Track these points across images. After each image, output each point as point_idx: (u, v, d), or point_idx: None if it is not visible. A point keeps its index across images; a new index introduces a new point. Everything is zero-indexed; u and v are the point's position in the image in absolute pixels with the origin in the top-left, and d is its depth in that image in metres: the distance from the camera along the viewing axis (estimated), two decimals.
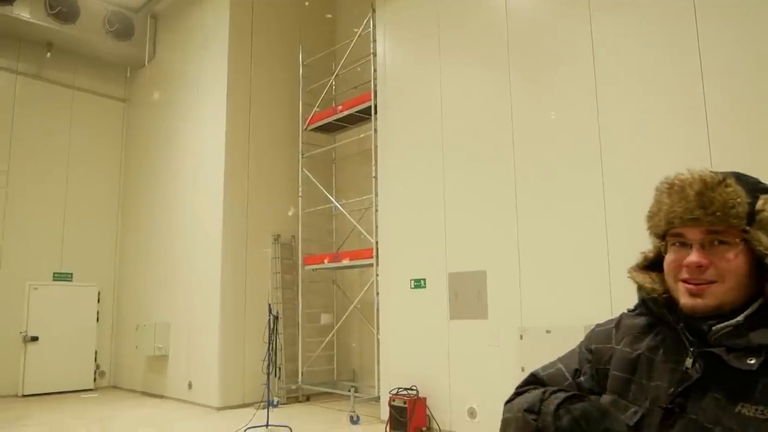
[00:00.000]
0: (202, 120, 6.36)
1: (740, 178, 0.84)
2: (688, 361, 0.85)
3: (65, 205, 7.20)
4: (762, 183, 0.85)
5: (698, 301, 0.84)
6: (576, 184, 3.81)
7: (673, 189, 0.86)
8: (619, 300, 3.40)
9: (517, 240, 4.09)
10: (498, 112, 4.28)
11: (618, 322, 0.97)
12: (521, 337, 3.97)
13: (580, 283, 3.71)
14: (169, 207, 6.71)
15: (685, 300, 0.86)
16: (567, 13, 3.96)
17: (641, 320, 0.94)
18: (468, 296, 4.42)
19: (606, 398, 0.91)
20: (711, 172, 0.84)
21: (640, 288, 0.93)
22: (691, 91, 3.33)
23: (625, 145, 3.61)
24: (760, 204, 0.82)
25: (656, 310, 0.90)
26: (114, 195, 7.66)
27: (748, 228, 0.81)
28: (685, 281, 0.86)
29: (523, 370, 3.89)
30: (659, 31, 3.51)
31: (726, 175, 0.84)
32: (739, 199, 0.81)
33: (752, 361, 0.79)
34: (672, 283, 0.88)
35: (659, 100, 3.48)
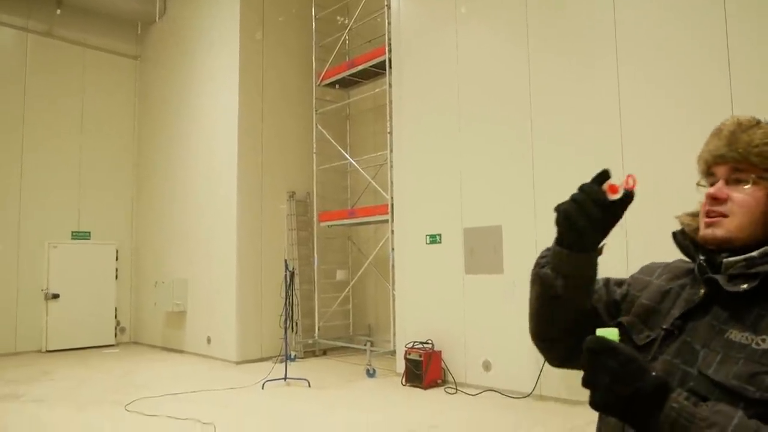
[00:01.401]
0: (215, 76, 6.31)
1: None
2: (699, 290, 0.88)
3: (80, 163, 7.23)
4: None
5: (708, 232, 0.87)
6: (593, 139, 3.75)
7: (714, 132, 0.89)
8: (636, 251, 3.37)
9: (534, 195, 4.06)
10: (515, 68, 4.20)
11: (670, 263, 1.00)
12: None
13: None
14: (184, 164, 6.72)
15: (701, 231, 0.89)
16: None
17: (689, 264, 0.95)
18: (484, 251, 4.42)
19: (625, 319, 0.95)
20: (753, 117, 0.87)
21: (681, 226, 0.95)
22: (714, 58, 3.24)
23: (643, 101, 3.53)
24: None
25: (682, 242, 0.93)
26: (129, 153, 7.68)
27: None
28: (705, 214, 0.89)
29: None
30: (686, 15, 3.40)
31: (763, 120, 0.86)
32: (765, 139, 0.83)
33: (744, 286, 0.82)
34: (701, 220, 0.90)
35: (679, 63, 3.39)
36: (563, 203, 0.87)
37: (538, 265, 0.96)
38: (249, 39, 6.00)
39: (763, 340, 0.78)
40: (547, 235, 3.34)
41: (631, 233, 3.44)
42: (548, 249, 0.94)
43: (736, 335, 0.81)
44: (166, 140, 7.09)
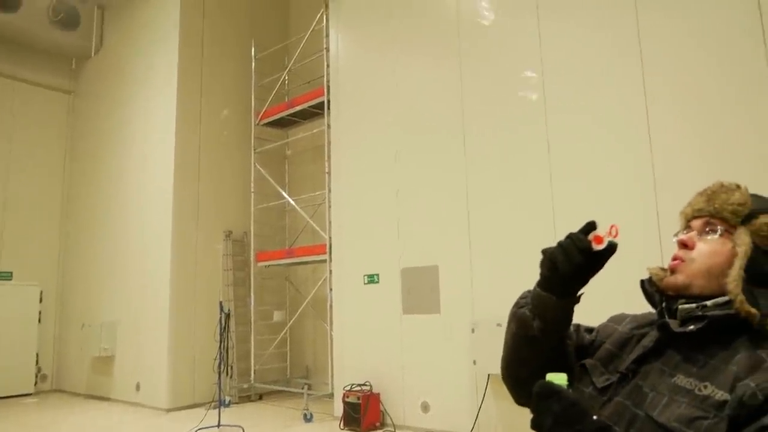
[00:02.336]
0: (151, 113, 6.20)
1: (758, 195, 0.94)
2: (654, 335, 0.93)
3: (5, 200, 6.90)
4: None
5: (671, 278, 0.93)
6: (524, 178, 3.86)
7: (699, 192, 0.98)
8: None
9: (469, 234, 4.12)
10: (449, 105, 4.31)
11: (638, 315, 1.05)
12: (473, 330, 4.00)
13: (529, 276, 3.74)
14: (116, 203, 6.51)
15: (666, 278, 0.95)
16: (515, 6, 4.01)
17: (654, 315, 0.99)
18: (421, 291, 4.43)
19: (588, 362, 1.00)
20: (736, 183, 0.96)
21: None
22: (632, 83, 3.42)
23: (571, 134, 3.68)
24: (761, 214, 0.90)
25: (648, 290, 0.98)
26: (57, 190, 7.38)
27: (739, 226, 0.89)
28: (672, 259, 0.94)
29: (474, 363, 3.93)
30: (602, 34, 3.59)
31: (744, 186, 0.95)
32: (741, 201, 0.91)
33: (691, 327, 0.87)
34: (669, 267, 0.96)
35: (602, 92, 3.56)
36: (550, 248, 0.94)
37: (518, 305, 1.02)
38: (187, 76, 5.95)
39: (705, 387, 0.82)
40: (482, 275, 3.39)
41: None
42: (529, 291, 1.01)
43: (682, 380, 0.85)
44: (98, 177, 6.87)
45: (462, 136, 4.21)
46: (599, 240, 0.90)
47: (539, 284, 0.97)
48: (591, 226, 0.90)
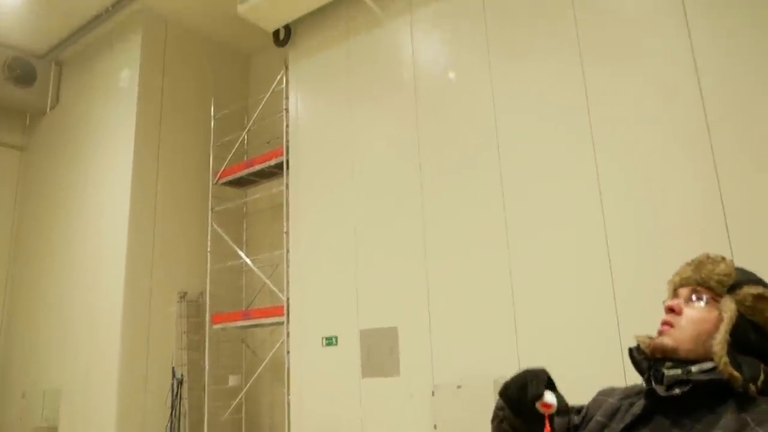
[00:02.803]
0: (106, 170, 6.09)
1: (742, 268, 1.00)
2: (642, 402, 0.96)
3: None
4: (761, 279, 1.00)
5: (658, 341, 0.97)
6: (482, 240, 3.90)
7: (686, 263, 1.03)
8: (526, 351, 3.45)
9: (428, 295, 4.11)
10: (407, 164, 4.36)
11: (629, 386, 1.09)
12: (433, 393, 3.94)
13: (487, 337, 3.75)
14: (65, 263, 6.29)
15: (653, 342, 0.98)
16: (470, 75, 4.14)
17: (643, 385, 1.02)
18: (380, 353, 4.37)
19: None
20: (721, 255, 1.02)
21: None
22: (582, 153, 3.53)
23: (526, 195, 3.75)
24: (745, 285, 0.96)
25: (636, 357, 1.01)
26: (3, 250, 7.12)
27: (725, 295, 0.95)
28: (660, 324, 0.99)
29: (435, 427, 3.85)
30: (554, 93, 3.72)
31: (729, 258, 1.01)
32: (726, 271, 0.97)
33: (677, 391, 0.90)
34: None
35: (554, 152, 3.66)
36: (510, 380, 1.00)
37: (497, 417, 1.05)
38: (145, 134, 5.90)
39: None
40: (442, 337, 3.36)
41: (519, 321, 3.53)
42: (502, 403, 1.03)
43: None
44: (47, 237, 6.66)
45: (420, 196, 4.25)
46: (547, 407, 0.95)
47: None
48: (550, 385, 0.97)
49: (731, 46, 3.11)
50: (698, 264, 0.99)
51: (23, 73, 6.81)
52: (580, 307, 3.37)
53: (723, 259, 0.99)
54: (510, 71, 3.97)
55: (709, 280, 0.96)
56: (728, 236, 2.93)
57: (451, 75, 4.28)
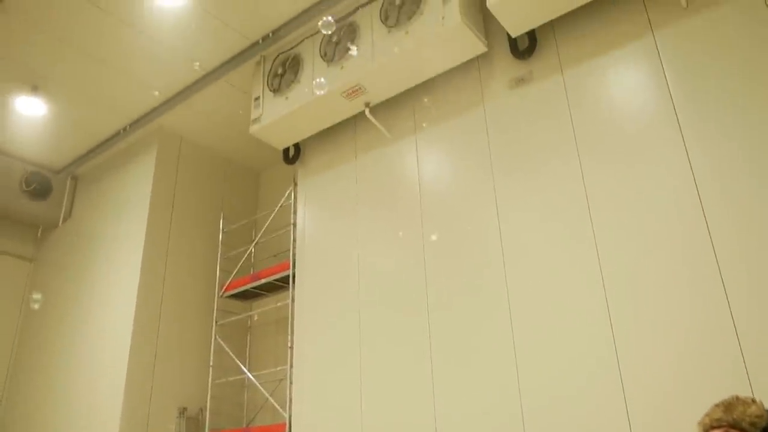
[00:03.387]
0: (113, 282, 6.13)
1: None
2: None
3: None
4: None
5: None
6: (489, 351, 3.83)
7: (715, 404, 1.07)
8: None
9: (434, 412, 3.98)
10: (413, 279, 4.38)
11: None
12: None
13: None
14: (66, 376, 6.17)
15: None
16: (475, 193, 4.26)
17: None
18: None
19: None
20: (750, 396, 1.07)
21: None
22: (588, 267, 3.55)
23: (532, 302, 3.72)
24: None
25: None
26: (4, 360, 7.01)
27: None
28: None
29: None
30: (557, 209, 3.81)
31: (759, 400, 1.05)
32: (758, 413, 1.01)
33: None
34: None
35: (563, 288, 3.68)
36: None
37: None
38: (153, 247, 5.99)
39: None
40: None
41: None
42: None
43: None
44: (49, 348, 6.58)
45: (426, 309, 4.23)
46: None
47: None
48: None
49: (724, 154, 3.22)
50: (728, 405, 1.02)
51: (40, 187, 7.04)
52: (590, 419, 3.26)
53: (753, 401, 1.03)
54: (512, 180, 4.09)
55: (742, 422, 0.99)
56: (736, 333, 2.89)
57: (455, 188, 4.40)
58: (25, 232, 7.49)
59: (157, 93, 5.83)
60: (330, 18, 4.34)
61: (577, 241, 3.65)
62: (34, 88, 5.88)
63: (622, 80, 3.86)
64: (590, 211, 3.65)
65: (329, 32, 4.68)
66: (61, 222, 7.24)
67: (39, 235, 7.55)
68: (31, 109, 6.06)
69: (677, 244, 3.29)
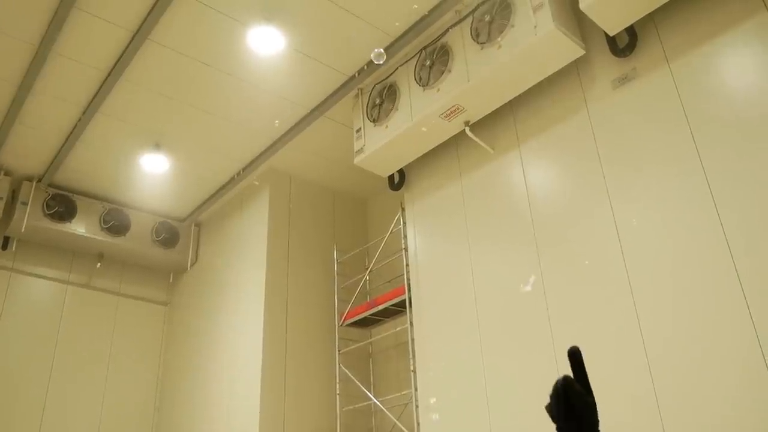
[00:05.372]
0: (239, 320, 6.46)
1: None
2: None
3: (102, 409, 7.08)
4: None
5: None
6: (616, 362, 3.65)
7: None
8: None
9: None
10: (530, 293, 4.27)
11: None
12: None
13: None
14: (205, 408, 6.56)
15: None
16: (586, 196, 4.12)
17: None
18: None
19: None
20: None
21: None
22: (722, 269, 3.31)
23: (660, 319, 3.51)
24: None
25: None
26: (151, 398, 7.56)
27: None
28: None
29: None
30: (679, 212, 3.59)
31: None
32: None
33: None
34: None
35: (693, 278, 3.45)
36: None
37: None
38: (274, 284, 6.26)
39: None
40: None
41: None
42: None
43: None
44: (188, 385, 7.03)
45: (548, 327, 4.11)
46: None
47: None
48: None
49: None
50: None
51: (168, 235, 7.61)
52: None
53: None
54: (626, 182, 3.92)
55: None
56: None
57: (566, 196, 4.28)
58: (159, 278, 8.09)
59: (277, 122, 6.09)
60: (380, 49, 4.53)
61: (704, 238, 3.42)
62: (157, 146, 6.40)
63: (738, 64, 3.61)
64: (716, 205, 3.42)
65: (381, 62, 4.82)
66: (189, 266, 7.76)
67: (171, 280, 8.13)
68: (155, 165, 6.59)
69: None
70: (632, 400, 3.53)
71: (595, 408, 0.93)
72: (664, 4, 3.85)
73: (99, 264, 7.48)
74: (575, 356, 0.93)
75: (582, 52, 4.26)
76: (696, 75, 3.75)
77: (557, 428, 0.93)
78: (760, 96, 3.43)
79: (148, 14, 4.69)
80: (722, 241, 3.35)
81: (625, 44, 4.12)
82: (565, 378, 0.92)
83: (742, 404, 3.09)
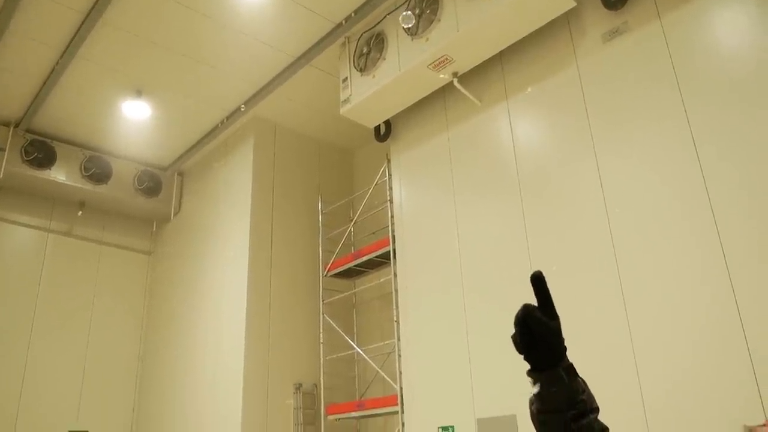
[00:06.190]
0: (224, 270, 6.48)
1: None
2: None
3: (85, 359, 7.15)
4: None
5: None
6: (597, 325, 3.74)
7: None
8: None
9: None
10: (514, 245, 4.33)
11: None
12: None
13: (613, 419, 3.51)
14: (189, 360, 6.64)
15: None
16: (572, 150, 4.13)
17: None
18: None
19: None
20: None
21: None
22: (704, 224, 3.37)
23: (640, 271, 3.59)
24: None
25: None
26: (135, 348, 7.62)
27: None
28: None
29: None
30: (664, 169, 3.62)
31: None
32: None
33: None
34: None
35: (673, 233, 3.51)
36: None
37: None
38: (258, 233, 6.26)
39: None
40: None
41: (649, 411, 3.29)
42: None
43: None
44: (172, 335, 7.09)
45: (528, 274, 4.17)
46: None
47: None
48: None
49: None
50: None
51: (151, 184, 7.52)
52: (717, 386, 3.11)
53: None
54: (612, 134, 3.93)
55: None
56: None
57: (552, 149, 4.29)
58: (142, 227, 8.05)
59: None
60: (408, 12, 4.39)
61: (687, 189, 3.47)
62: (138, 93, 6.26)
63: (727, 20, 3.59)
64: (700, 162, 3.45)
65: (410, 25, 4.63)
66: (172, 216, 7.72)
67: (154, 229, 8.09)
68: (137, 112, 6.47)
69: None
70: (609, 348, 3.63)
71: (559, 333, 0.92)
72: None
73: (80, 212, 7.40)
74: (538, 281, 0.91)
75: (573, 4, 4.20)
76: (686, 31, 3.73)
77: (524, 359, 0.93)
78: (749, 53, 3.42)
79: None
80: (704, 199, 3.39)
81: None
82: (525, 307, 0.91)
83: (710, 344, 3.20)
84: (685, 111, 3.59)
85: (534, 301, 0.91)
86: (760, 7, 3.42)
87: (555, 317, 0.90)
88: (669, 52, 3.75)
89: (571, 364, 0.89)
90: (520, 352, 0.91)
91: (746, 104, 3.35)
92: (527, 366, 0.93)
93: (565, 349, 0.90)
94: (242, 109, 6.45)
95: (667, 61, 3.74)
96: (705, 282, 3.31)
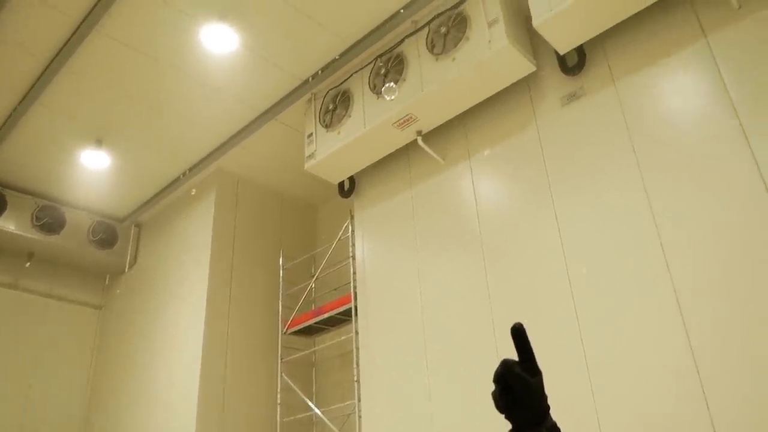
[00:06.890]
0: (178, 326, 6.26)
1: None
2: None
3: (24, 420, 6.71)
4: None
5: None
6: (560, 374, 3.71)
7: None
8: None
9: None
10: (476, 301, 4.31)
11: None
12: None
13: None
14: (139, 418, 6.30)
15: None
16: (533, 207, 4.19)
17: None
18: None
19: None
20: None
21: None
22: (659, 281, 3.42)
23: (600, 326, 3.60)
24: None
25: None
26: (80, 408, 7.20)
27: None
28: None
29: None
30: (620, 223, 3.70)
31: None
32: None
33: None
34: None
35: (631, 291, 3.55)
36: None
37: None
38: (216, 289, 6.10)
39: None
40: None
41: None
42: None
43: None
44: (122, 394, 6.74)
45: (493, 336, 4.14)
46: None
47: None
48: None
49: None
50: None
51: (106, 236, 7.32)
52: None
53: None
54: (572, 197, 4.02)
55: None
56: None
57: (514, 209, 4.35)
58: (94, 280, 7.76)
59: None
60: (392, 84, 4.46)
61: (645, 254, 3.54)
62: (98, 142, 6.16)
63: (678, 87, 3.77)
64: (656, 223, 3.54)
65: (392, 98, 4.65)
66: (127, 269, 7.48)
67: (107, 282, 7.81)
68: (95, 162, 6.34)
69: (753, 252, 3.14)
70: (572, 405, 3.59)
71: (542, 390, 0.85)
72: (612, 27, 4.00)
73: (28, 263, 7.11)
74: (519, 333, 0.85)
75: (533, 69, 4.36)
76: (639, 95, 3.89)
77: (505, 418, 0.86)
78: (699, 117, 3.59)
79: (97, 3, 4.52)
80: (660, 257, 3.46)
81: (575, 63, 4.24)
82: (504, 362, 0.84)
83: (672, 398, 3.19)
84: (639, 169, 3.71)
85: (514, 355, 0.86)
86: (707, 71, 3.61)
87: (537, 373, 0.83)
88: (623, 115, 3.90)
89: (555, 424, 0.82)
90: (501, 412, 0.83)
91: (694, 162, 3.49)
92: (504, 427, 0.86)
93: (548, 407, 0.83)
94: (203, 163, 6.40)
95: (622, 123, 3.89)
96: (662, 335, 3.34)
